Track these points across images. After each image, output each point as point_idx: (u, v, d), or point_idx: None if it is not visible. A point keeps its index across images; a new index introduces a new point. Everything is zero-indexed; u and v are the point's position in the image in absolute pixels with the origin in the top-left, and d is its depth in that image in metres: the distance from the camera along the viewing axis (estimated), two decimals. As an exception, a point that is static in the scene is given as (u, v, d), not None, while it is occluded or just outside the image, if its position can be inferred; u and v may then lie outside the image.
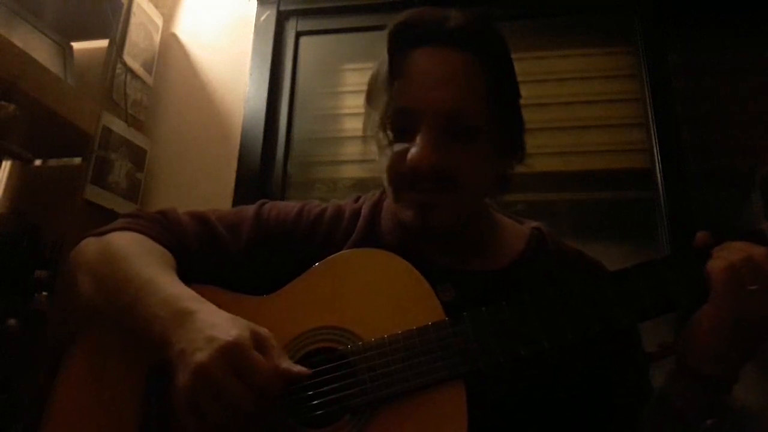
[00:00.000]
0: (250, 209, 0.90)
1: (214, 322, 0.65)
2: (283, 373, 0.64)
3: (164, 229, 0.85)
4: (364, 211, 0.88)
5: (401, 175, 0.77)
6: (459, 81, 0.76)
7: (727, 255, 0.64)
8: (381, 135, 0.79)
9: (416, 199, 0.77)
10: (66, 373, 0.79)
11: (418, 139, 0.75)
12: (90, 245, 0.83)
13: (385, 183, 0.81)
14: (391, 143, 0.78)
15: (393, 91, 0.75)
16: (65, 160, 1.71)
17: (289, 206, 0.90)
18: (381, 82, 0.77)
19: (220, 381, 0.60)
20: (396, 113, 0.76)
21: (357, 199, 0.92)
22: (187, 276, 0.76)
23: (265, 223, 0.87)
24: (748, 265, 0.62)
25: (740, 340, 0.63)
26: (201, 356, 0.61)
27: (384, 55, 0.77)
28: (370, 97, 0.82)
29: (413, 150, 0.74)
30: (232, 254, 0.85)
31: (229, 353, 0.61)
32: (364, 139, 0.85)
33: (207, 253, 0.85)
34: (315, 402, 0.69)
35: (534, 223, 0.90)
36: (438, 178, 0.75)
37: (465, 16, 0.78)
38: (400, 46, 0.76)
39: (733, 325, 0.62)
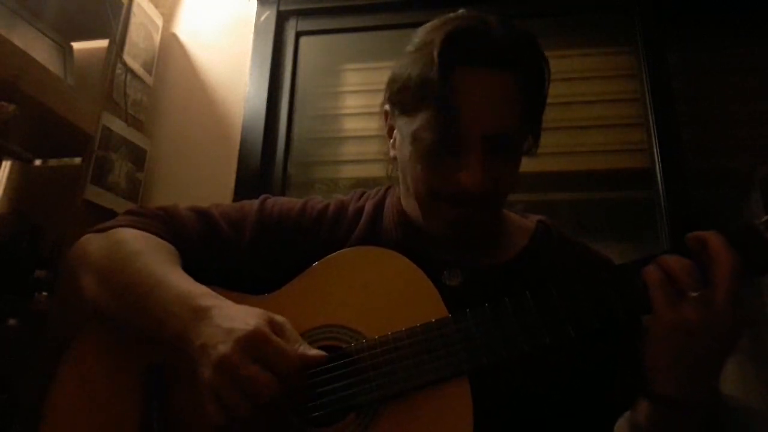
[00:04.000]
0: (253, 204, 0.89)
1: (232, 315, 0.65)
2: (302, 357, 0.64)
3: (166, 226, 0.84)
4: (368, 208, 0.88)
5: (447, 193, 0.75)
6: (505, 103, 0.75)
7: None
8: (416, 144, 0.76)
9: (455, 215, 0.76)
10: (62, 373, 0.78)
11: (470, 160, 0.73)
12: (93, 242, 0.82)
13: (416, 192, 0.79)
14: (431, 155, 0.75)
15: (442, 109, 0.72)
16: (65, 160, 1.71)
17: (292, 202, 0.90)
18: (426, 96, 0.74)
19: (244, 371, 0.60)
20: (443, 130, 0.73)
21: (360, 196, 0.92)
22: (189, 273, 0.75)
23: (268, 218, 0.87)
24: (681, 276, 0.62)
25: (687, 356, 0.61)
26: (223, 349, 0.61)
27: (421, 63, 0.75)
28: (404, 102, 0.78)
29: (467, 172, 0.72)
30: (234, 250, 0.85)
31: (250, 343, 0.61)
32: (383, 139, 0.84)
33: (210, 250, 0.84)
34: (319, 401, 0.69)
35: (538, 217, 0.90)
36: (483, 198, 0.74)
37: (508, 33, 0.76)
38: (446, 64, 0.73)
39: (676, 337, 0.61)
